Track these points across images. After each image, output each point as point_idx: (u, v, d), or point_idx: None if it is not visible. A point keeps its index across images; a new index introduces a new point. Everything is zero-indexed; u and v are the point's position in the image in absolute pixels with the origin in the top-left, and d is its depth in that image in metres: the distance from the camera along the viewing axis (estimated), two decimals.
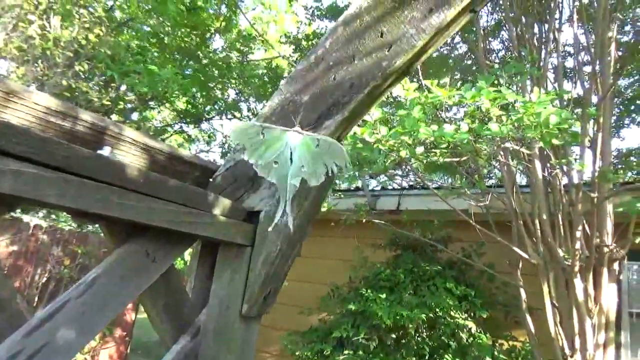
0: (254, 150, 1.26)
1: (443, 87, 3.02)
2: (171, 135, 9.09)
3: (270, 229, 1.31)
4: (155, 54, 7.17)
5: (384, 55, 1.23)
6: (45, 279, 6.49)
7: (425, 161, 3.96)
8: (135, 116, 7.63)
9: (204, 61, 7.62)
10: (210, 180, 1.47)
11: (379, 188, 7.25)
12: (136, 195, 1.05)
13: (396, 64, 1.22)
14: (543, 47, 4.61)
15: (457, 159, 3.62)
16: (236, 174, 1.43)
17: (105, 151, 1.12)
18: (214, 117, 8.62)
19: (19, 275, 6.40)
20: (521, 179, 6.07)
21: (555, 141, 2.71)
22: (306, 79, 1.35)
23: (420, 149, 3.01)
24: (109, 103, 5.83)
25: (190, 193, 1.20)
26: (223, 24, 7.94)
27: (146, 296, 1.26)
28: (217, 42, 8.74)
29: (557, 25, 4.83)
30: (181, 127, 8.77)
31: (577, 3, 4.57)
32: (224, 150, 8.68)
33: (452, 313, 4.23)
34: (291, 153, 1.27)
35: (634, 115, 5.93)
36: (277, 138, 1.28)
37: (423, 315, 4.07)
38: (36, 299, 6.34)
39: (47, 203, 0.90)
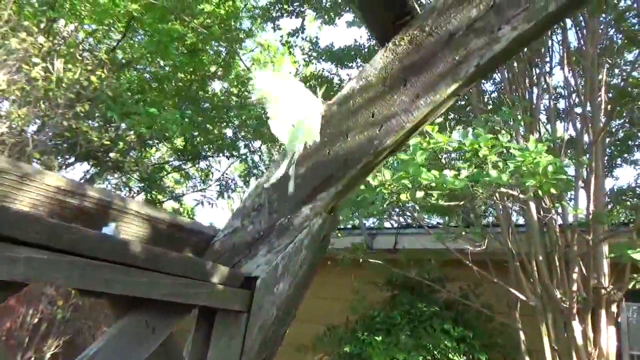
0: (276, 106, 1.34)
1: (443, 132, 3.10)
2: (169, 173, 9.18)
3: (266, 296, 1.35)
4: (155, 94, 7.31)
5: (376, 134, 1.31)
6: (37, 319, 6.38)
7: (423, 204, 4.01)
8: (133, 153, 7.71)
9: (205, 105, 7.77)
10: (209, 245, 1.52)
11: (375, 226, 7.26)
12: (138, 271, 1.09)
13: (387, 143, 1.29)
14: (535, 88, 4.75)
15: (455, 203, 3.67)
16: (234, 241, 1.47)
17: (110, 228, 1.16)
18: (212, 155, 8.73)
19: (10, 316, 6.29)
20: (517, 218, 6.11)
21: (553, 190, 2.76)
22: (302, 152, 1.42)
23: (420, 194, 3.06)
24: (109, 143, 5.90)
25: (190, 264, 1.24)
26: (221, 69, 8.14)
27: None
28: (217, 84, 8.98)
29: (547, 69, 4.99)
30: (180, 164, 8.87)
31: (567, 48, 4.73)
32: (221, 188, 8.76)
33: (450, 356, 4.19)
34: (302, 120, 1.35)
35: (625, 155, 6.03)
36: (295, 100, 1.35)
37: (420, 358, 4.03)
38: (27, 339, 6.21)
39: (53, 284, 0.94)
